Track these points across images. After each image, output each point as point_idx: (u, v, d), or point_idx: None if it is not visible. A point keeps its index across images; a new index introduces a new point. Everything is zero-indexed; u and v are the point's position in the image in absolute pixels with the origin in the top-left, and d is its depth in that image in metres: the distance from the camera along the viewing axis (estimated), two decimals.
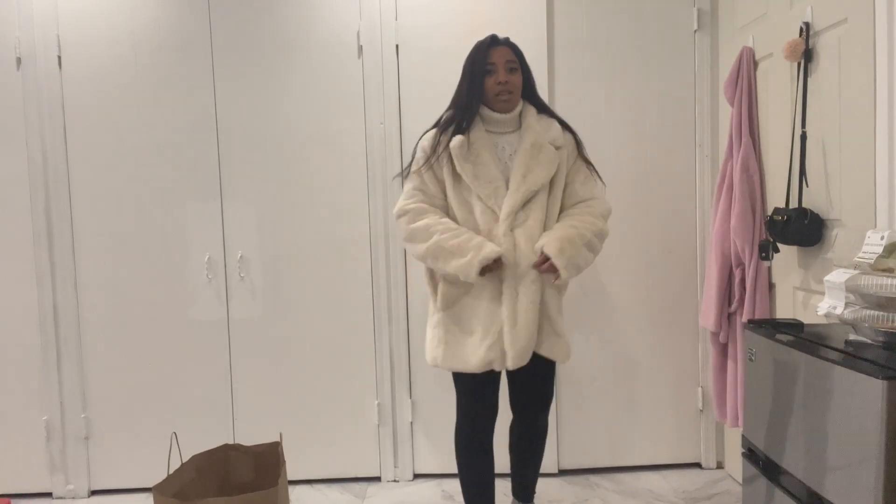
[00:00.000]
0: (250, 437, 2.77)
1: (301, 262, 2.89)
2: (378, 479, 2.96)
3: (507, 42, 2.18)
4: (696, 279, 2.95)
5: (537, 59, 2.74)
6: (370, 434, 2.94)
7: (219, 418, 2.90)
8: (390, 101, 2.85)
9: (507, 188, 2.11)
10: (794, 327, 1.81)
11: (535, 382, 2.25)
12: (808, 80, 2.19)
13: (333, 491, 2.88)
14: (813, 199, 2.19)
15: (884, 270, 1.54)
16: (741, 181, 2.46)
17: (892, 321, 1.50)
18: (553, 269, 2.06)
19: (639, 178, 2.91)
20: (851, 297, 1.59)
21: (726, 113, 2.72)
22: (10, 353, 2.87)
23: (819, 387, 1.54)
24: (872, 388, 1.36)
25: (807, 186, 2.19)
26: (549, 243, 2.05)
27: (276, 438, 2.32)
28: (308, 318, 2.90)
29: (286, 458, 2.21)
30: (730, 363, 2.63)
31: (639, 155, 2.91)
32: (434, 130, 2.21)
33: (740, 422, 2.51)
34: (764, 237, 2.39)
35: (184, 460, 2.18)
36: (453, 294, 2.16)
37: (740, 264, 2.52)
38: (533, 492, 2.42)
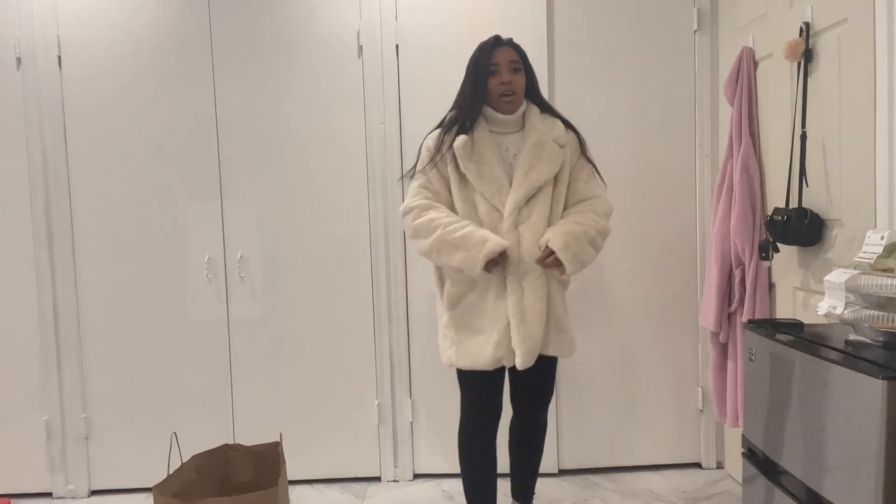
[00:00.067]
0: (250, 437, 2.77)
1: (301, 262, 2.89)
2: (378, 479, 2.96)
3: (510, 42, 2.19)
4: (696, 279, 2.95)
5: (537, 59, 2.72)
6: (370, 434, 2.94)
7: (219, 418, 2.90)
8: (390, 101, 2.85)
9: (511, 187, 2.12)
10: (794, 327, 1.81)
11: (536, 381, 2.25)
12: (808, 80, 2.19)
13: (333, 491, 2.88)
14: (813, 199, 2.19)
15: (884, 270, 1.54)
16: (741, 181, 2.46)
17: (892, 321, 1.50)
18: (558, 264, 2.06)
19: (639, 178, 2.91)
20: (851, 297, 1.59)
21: (726, 113, 2.72)
22: (10, 353, 2.87)
23: (819, 387, 1.54)
24: (872, 388, 1.36)
25: (807, 186, 2.19)
26: (554, 238, 2.06)
27: (276, 438, 2.32)
28: (308, 318, 2.90)
29: (286, 458, 2.21)
30: (730, 363, 2.63)
31: (639, 155, 2.91)
32: (438, 130, 2.22)
33: (740, 422, 2.51)
34: (764, 237, 2.39)
35: (184, 460, 2.18)
36: (458, 293, 2.17)
37: (740, 264, 2.52)
38: (532, 492, 2.42)
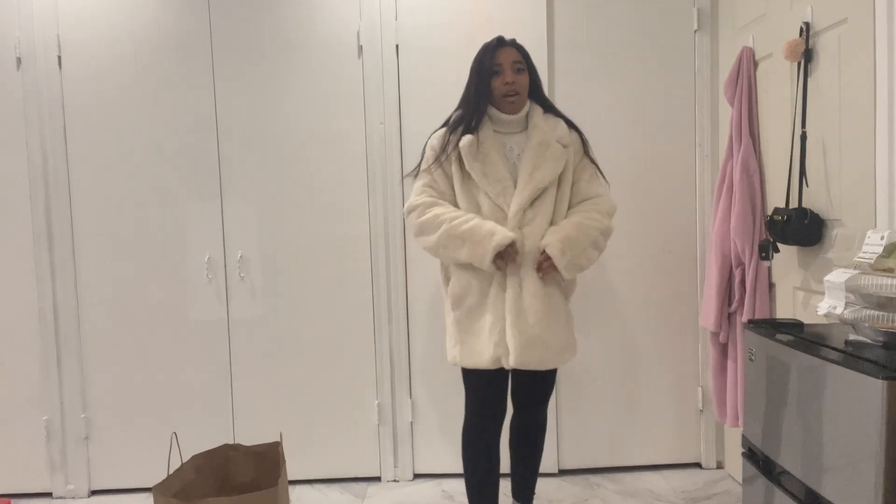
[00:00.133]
0: (250, 437, 2.77)
1: (301, 262, 2.89)
2: (378, 479, 2.96)
3: (513, 43, 2.20)
4: (696, 279, 2.95)
5: (537, 59, 2.70)
6: (370, 434, 2.94)
7: (219, 418, 2.90)
8: (390, 101, 2.85)
9: (515, 187, 2.12)
10: (794, 327, 1.81)
11: (536, 380, 2.26)
12: (808, 80, 2.19)
13: (333, 491, 2.88)
14: (813, 199, 2.19)
15: (884, 270, 1.54)
16: (741, 181, 2.46)
17: (892, 321, 1.50)
18: (555, 269, 2.08)
19: (639, 178, 2.91)
20: (851, 297, 1.59)
21: (726, 113, 2.72)
22: (10, 353, 2.87)
23: (819, 387, 1.54)
24: (872, 388, 1.36)
25: (807, 186, 2.19)
26: (551, 244, 2.07)
27: (276, 438, 2.32)
28: (308, 318, 2.90)
29: (286, 458, 2.21)
30: (730, 363, 2.63)
31: (639, 155, 2.91)
32: (443, 130, 2.23)
33: (740, 422, 2.51)
34: (764, 237, 2.39)
35: (184, 460, 2.18)
36: (460, 293, 2.18)
37: (740, 264, 2.52)
38: (533, 492, 2.42)
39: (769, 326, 1.85)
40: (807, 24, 2.17)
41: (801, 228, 2.16)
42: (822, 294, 1.77)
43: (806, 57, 2.17)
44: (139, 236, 2.86)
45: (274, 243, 2.88)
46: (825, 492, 1.52)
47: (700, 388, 2.97)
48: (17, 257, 2.84)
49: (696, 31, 2.89)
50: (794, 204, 2.22)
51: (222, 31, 2.82)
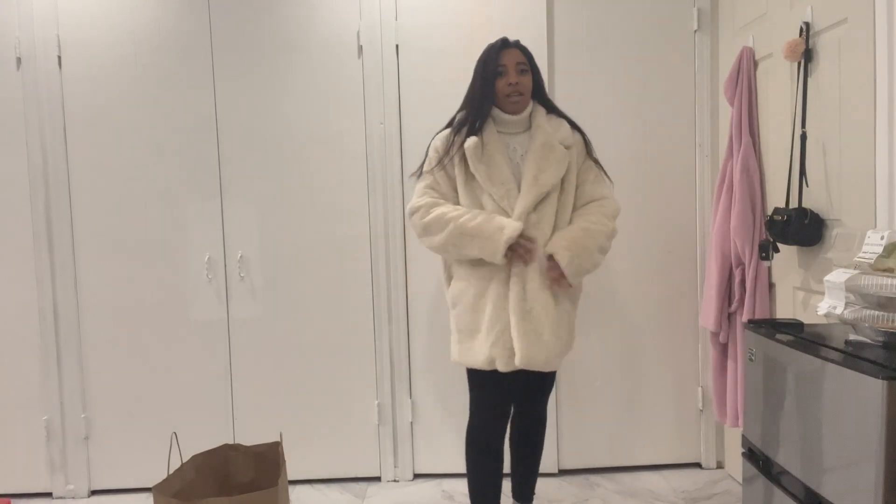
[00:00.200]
0: (250, 437, 2.77)
1: (301, 262, 2.89)
2: (378, 479, 2.96)
3: (517, 44, 2.20)
4: (696, 279, 2.95)
5: (538, 59, 2.69)
6: (370, 434, 2.94)
7: (219, 418, 2.90)
8: (390, 101, 2.85)
9: (519, 189, 2.13)
10: (794, 327, 1.81)
11: (539, 380, 2.27)
12: (808, 80, 2.19)
13: (333, 491, 2.88)
14: (813, 199, 2.19)
15: (884, 270, 1.54)
16: (741, 181, 2.46)
17: (892, 321, 1.50)
18: (563, 277, 2.10)
19: (639, 178, 2.91)
20: (851, 297, 1.59)
21: (726, 113, 2.72)
22: (10, 353, 2.87)
23: (819, 387, 1.54)
24: (872, 388, 1.36)
25: (807, 186, 2.19)
26: (559, 252, 2.08)
27: (276, 438, 2.32)
28: (308, 319, 2.90)
29: (286, 458, 2.21)
30: (730, 363, 2.63)
31: (639, 155, 2.91)
32: (447, 131, 2.23)
33: (740, 422, 2.51)
34: (764, 237, 2.39)
35: (184, 460, 2.18)
36: (459, 292, 2.18)
37: (740, 264, 2.52)
38: (533, 492, 2.43)
39: (769, 326, 1.85)
40: (807, 24, 2.17)
41: (801, 228, 2.16)
42: (822, 294, 1.77)
43: (806, 57, 2.17)
44: (139, 236, 2.86)
45: (274, 243, 2.88)
46: (825, 492, 1.52)
47: (700, 388, 2.97)
48: (17, 257, 2.84)
49: (696, 31, 2.89)
50: (794, 204, 2.22)
51: (222, 32, 2.82)
